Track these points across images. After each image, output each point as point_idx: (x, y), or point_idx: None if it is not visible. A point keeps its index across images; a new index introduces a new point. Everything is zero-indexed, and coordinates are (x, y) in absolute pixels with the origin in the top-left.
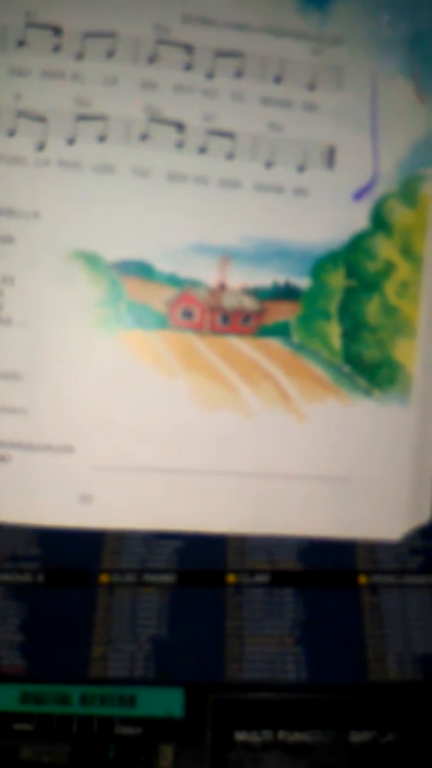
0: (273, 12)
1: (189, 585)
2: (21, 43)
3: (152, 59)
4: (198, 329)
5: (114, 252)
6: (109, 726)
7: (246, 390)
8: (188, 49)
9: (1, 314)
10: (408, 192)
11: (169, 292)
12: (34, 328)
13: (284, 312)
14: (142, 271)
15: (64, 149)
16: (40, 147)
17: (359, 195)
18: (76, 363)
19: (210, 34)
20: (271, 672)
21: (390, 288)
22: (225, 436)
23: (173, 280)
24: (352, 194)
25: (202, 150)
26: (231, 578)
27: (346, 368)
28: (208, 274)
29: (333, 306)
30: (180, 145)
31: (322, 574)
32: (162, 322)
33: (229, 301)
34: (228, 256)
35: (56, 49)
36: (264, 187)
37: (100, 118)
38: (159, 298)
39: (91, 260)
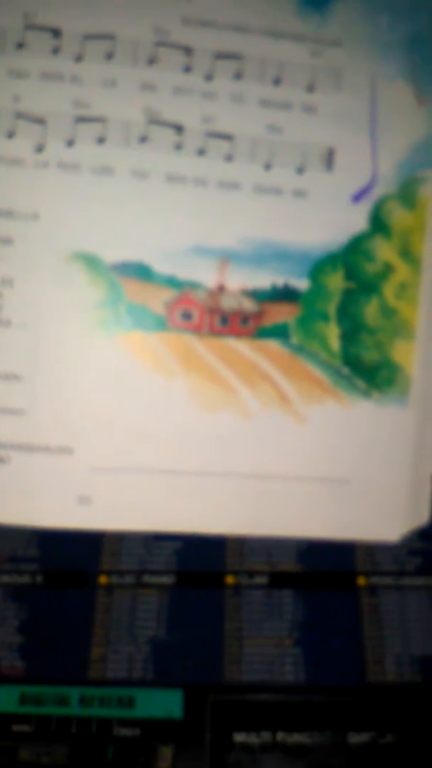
0: (272, 14)
1: (188, 586)
2: (20, 45)
3: (151, 61)
4: (197, 331)
5: (113, 253)
6: (107, 727)
7: (245, 391)
8: (187, 51)
9: (1, 316)
10: (407, 194)
11: (168, 294)
12: (33, 330)
13: (283, 313)
14: (141, 272)
15: (63, 151)
16: (39, 149)
17: (358, 197)
18: (75, 364)
19: (209, 36)
20: (269, 673)
21: (389, 290)
22: (224, 437)
23: (172, 282)
24: (351, 196)
25: (201, 152)
26: (230, 579)
27: (345, 370)
28: (207, 275)
29: (332, 308)
30: (179, 146)
31: (321, 575)
32: (161, 324)
33: (228, 303)
34: (227, 257)
35: (55, 51)
36: (263, 189)
37: (99, 119)
38: (158, 299)
39: (91, 262)
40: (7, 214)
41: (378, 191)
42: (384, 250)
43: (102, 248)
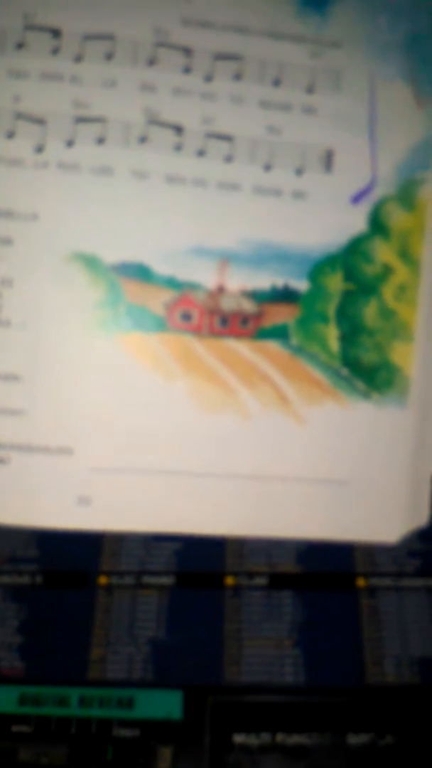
0: (272, 15)
1: (188, 587)
2: (20, 45)
3: (151, 62)
4: (197, 332)
5: (113, 254)
6: (107, 728)
7: (244, 392)
8: (187, 51)
9: (0, 316)
10: (406, 195)
11: (167, 295)
12: (33, 330)
13: (283, 315)
14: (141, 273)
15: (63, 151)
16: (39, 149)
17: (357, 198)
18: (75, 365)
19: (209, 37)
20: (269, 674)
21: (388, 291)
22: (224, 438)
23: (172, 283)
24: (350, 197)
25: (201, 153)
26: (229, 580)
27: (345, 371)
28: (206, 276)
29: (331, 309)
30: (179, 147)
31: (321, 576)
32: (161, 325)
33: (227, 304)
34: (226, 258)
35: (55, 51)
36: (262, 190)
37: (99, 120)
38: (158, 300)
39: (90, 262)
40: (7, 214)
41: (377, 193)
42: (383, 252)
43: (102, 249)
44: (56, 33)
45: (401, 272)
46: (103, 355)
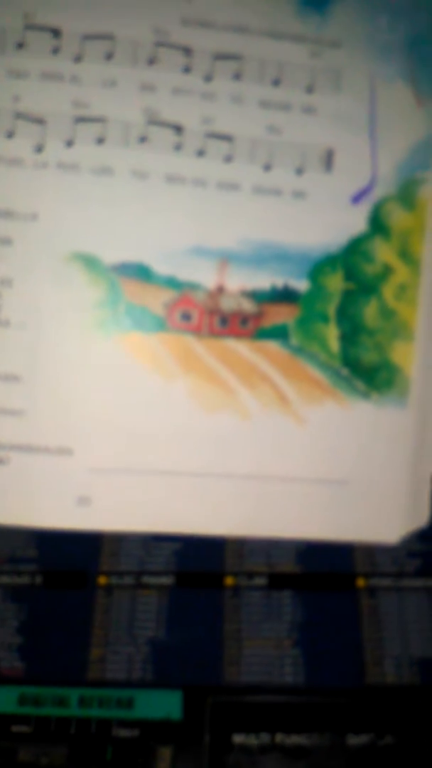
0: (272, 15)
1: (187, 587)
2: (20, 45)
3: (151, 62)
4: (196, 332)
5: (112, 254)
6: (106, 728)
7: (244, 393)
8: (187, 51)
9: (0, 316)
10: (406, 195)
11: (167, 295)
12: (32, 330)
13: (282, 315)
14: (141, 273)
15: (63, 151)
16: (39, 149)
17: (357, 198)
18: (74, 365)
19: (209, 36)
20: (268, 675)
21: (388, 291)
22: (223, 438)
23: (172, 283)
24: (350, 197)
25: (201, 152)
26: (229, 581)
27: (345, 371)
28: (206, 276)
29: (331, 309)
30: (178, 147)
31: (320, 576)
32: (160, 325)
33: (227, 304)
34: (226, 258)
35: (55, 51)
36: (262, 190)
37: (99, 120)
38: (157, 300)
39: (90, 262)
40: (7, 214)
41: (377, 192)
42: (383, 252)
43: (101, 249)
44: (56, 33)
45: (401, 272)
46: (102, 356)
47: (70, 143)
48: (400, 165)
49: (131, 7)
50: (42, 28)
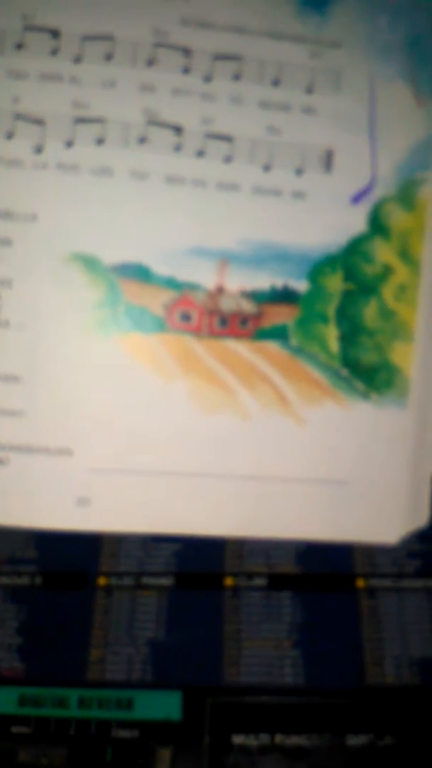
0: (271, 15)
1: (187, 588)
2: (19, 46)
3: (150, 62)
4: (196, 332)
5: (112, 254)
6: (106, 729)
7: (244, 393)
8: (186, 52)
9: (0, 317)
10: (406, 195)
11: (167, 295)
12: (32, 331)
13: (282, 315)
14: (140, 273)
15: (62, 152)
16: (38, 150)
17: (357, 198)
18: (74, 366)
19: (208, 37)
20: (268, 675)
21: (388, 291)
22: (223, 439)
23: (171, 283)
24: (350, 197)
25: (200, 153)
26: (229, 581)
27: (344, 372)
28: (206, 277)
29: (331, 309)
30: (178, 148)
31: (320, 577)
32: (160, 325)
33: (227, 304)
34: (226, 259)
35: (54, 52)
36: (262, 191)
37: (98, 120)
38: (157, 300)
39: (89, 263)
40: (6, 215)
41: (377, 193)
42: (383, 252)
43: (101, 249)
44: (55, 33)
45: (401, 272)
46: (102, 356)
47: (69, 144)
48: (400, 165)
49: (130, 7)
50: (41, 29)
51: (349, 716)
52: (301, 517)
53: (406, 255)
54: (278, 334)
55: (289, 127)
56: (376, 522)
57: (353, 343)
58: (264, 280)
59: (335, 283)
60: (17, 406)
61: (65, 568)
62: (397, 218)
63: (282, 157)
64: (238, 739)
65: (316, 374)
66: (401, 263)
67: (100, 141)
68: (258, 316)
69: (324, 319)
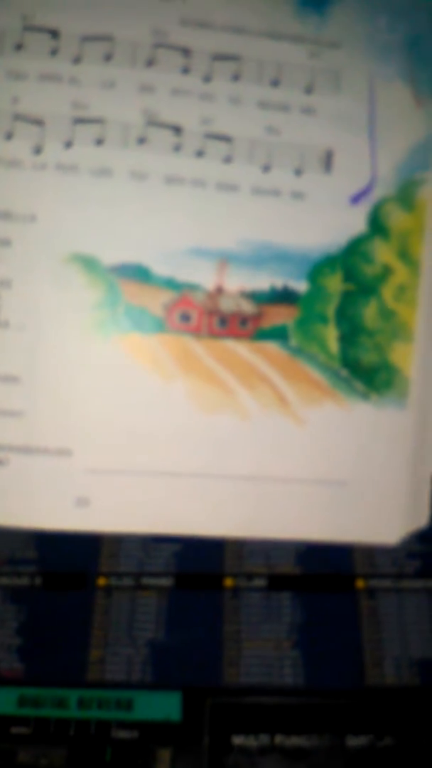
0: (270, 15)
1: (187, 588)
2: (18, 47)
3: (150, 63)
4: (196, 332)
5: (111, 255)
6: (106, 730)
7: (244, 393)
8: (185, 52)
9: None
10: (405, 196)
11: (166, 296)
12: (31, 331)
13: (282, 316)
14: (140, 274)
15: (62, 152)
16: (38, 150)
17: (357, 199)
18: (73, 366)
19: (207, 37)
20: (268, 676)
21: (387, 292)
22: (222, 439)
23: (171, 284)
24: (349, 198)
25: (200, 153)
26: (228, 582)
27: (344, 372)
28: (205, 277)
29: (330, 310)
30: (177, 148)
31: (320, 578)
32: (159, 326)
33: (226, 305)
34: (225, 259)
35: (53, 52)
36: (261, 191)
37: (98, 121)
38: (157, 301)
39: (89, 263)
40: (5, 215)
41: (377, 193)
42: (383, 252)
43: (100, 250)
44: (55, 34)
45: (401, 273)
46: (101, 356)
47: (69, 144)
48: (400, 165)
49: (130, 8)
50: (41, 30)
51: (348, 717)
52: (301, 518)
53: (406, 255)
54: (278, 334)
55: (289, 128)
56: (376, 522)
57: (353, 343)
58: (263, 281)
59: (335, 284)
60: (17, 406)
61: (65, 568)
62: (397, 218)
63: (281, 157)
64: (237, 740)
65: (316, 375)
66: (401, 263)
67: (99, 141)
68: (257, 317)
69: (324, 319)
